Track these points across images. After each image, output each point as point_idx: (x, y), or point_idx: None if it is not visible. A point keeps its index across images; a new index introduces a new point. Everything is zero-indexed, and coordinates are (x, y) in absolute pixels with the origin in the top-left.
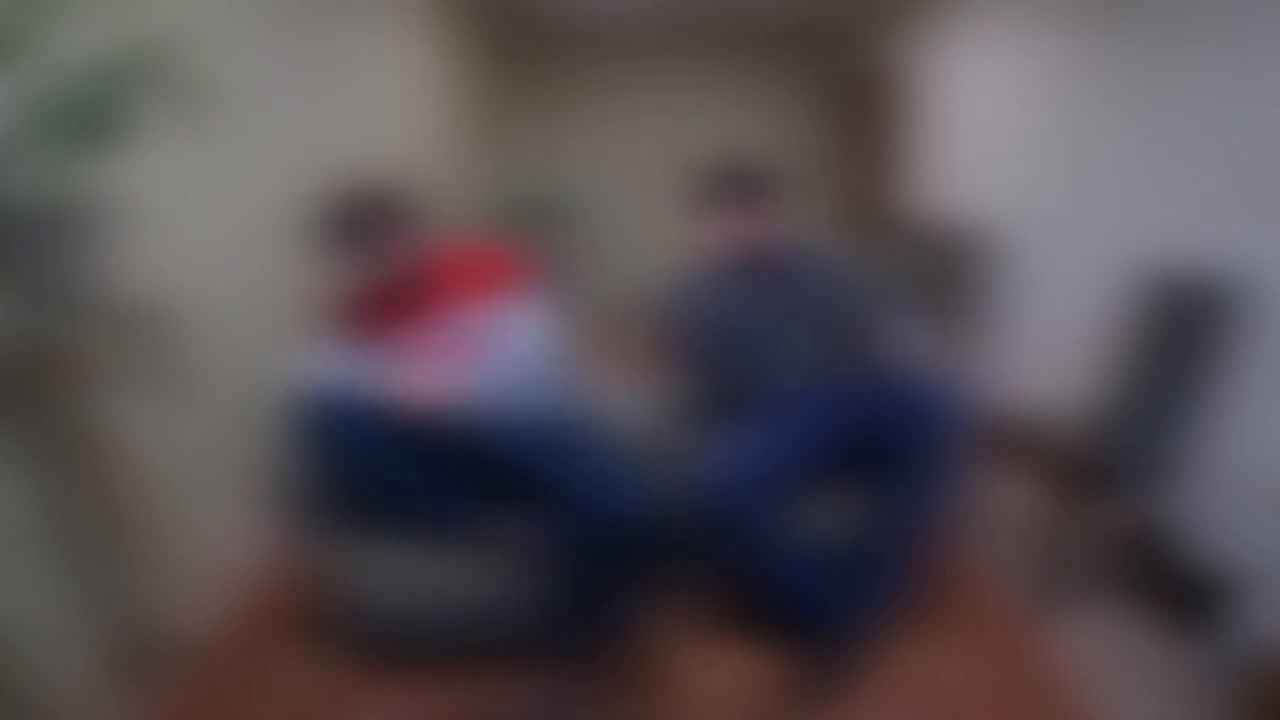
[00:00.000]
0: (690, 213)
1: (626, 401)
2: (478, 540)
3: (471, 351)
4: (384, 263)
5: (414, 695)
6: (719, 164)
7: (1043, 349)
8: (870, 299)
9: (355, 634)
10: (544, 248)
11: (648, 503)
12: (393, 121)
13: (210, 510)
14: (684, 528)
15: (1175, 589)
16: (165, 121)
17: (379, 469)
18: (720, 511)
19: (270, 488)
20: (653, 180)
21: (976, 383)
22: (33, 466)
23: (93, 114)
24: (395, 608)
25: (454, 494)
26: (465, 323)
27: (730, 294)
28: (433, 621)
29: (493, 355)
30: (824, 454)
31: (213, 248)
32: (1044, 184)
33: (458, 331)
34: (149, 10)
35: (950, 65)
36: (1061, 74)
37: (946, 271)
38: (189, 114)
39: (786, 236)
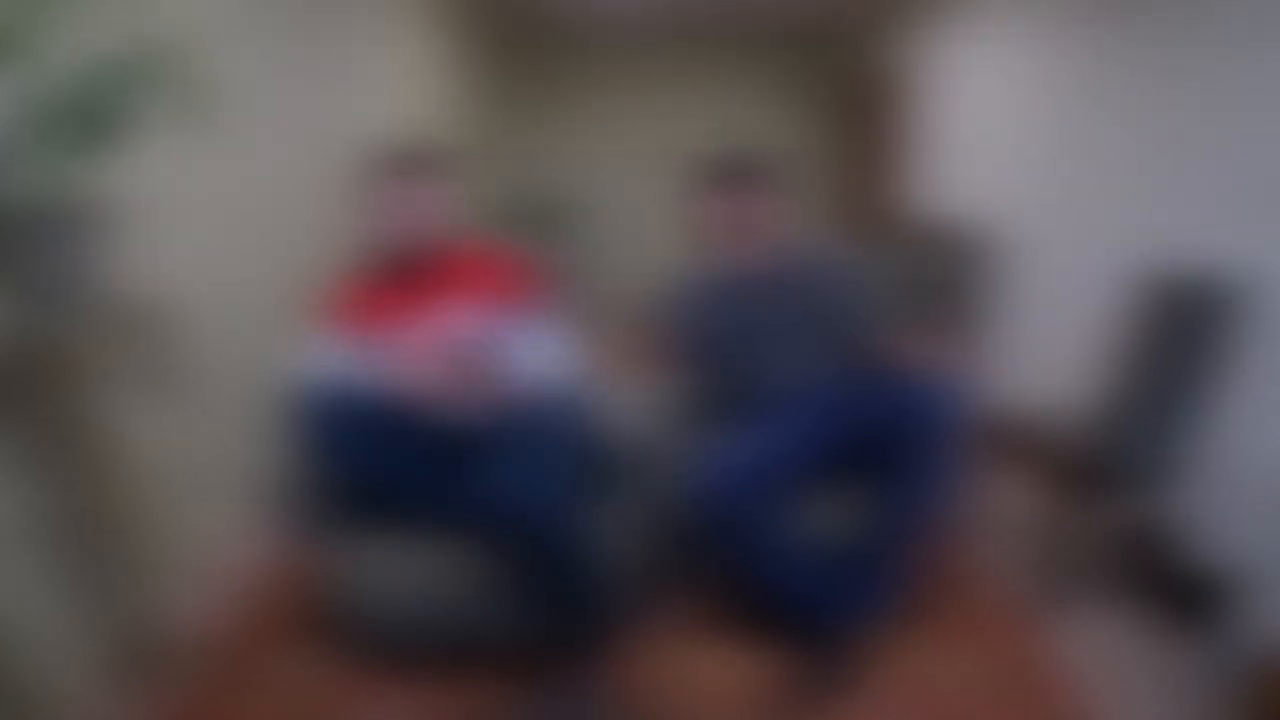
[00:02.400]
0: (689, 199)
1: (627, 402)
2: (476, 539)
3: (476, 352)
4: (420, 216)
5: (414, 696)
6: (718, 151)
7: (1043, 349)
8: (870, 300)
9: (355, 634)
10: (546, 248)
11: (567, 511)
12: (394, 121)
13: (210, 510)
14: (684, 527)
15: (1175, 589)
16: (166, 121)
17: (378, 464)
18: (719, 511)
19: (271, 487)
20: (654, 180)
21: (976, 383)
22: (33, 466)
23: (93, 114)
24: (396, 608)
25: (451, 490)
26: (470, 323)
27: (730, 294)
28: (433, 622)
29: (501, 358)
30: (823, 454)
31: (213, 248)
32: (1045, 184)
33: (462, 330)
34: (150, 10)
35: (951, 66)
36: (1062, 75)
37: (947, 272)
38: (190, 114)
39: (787, 237)
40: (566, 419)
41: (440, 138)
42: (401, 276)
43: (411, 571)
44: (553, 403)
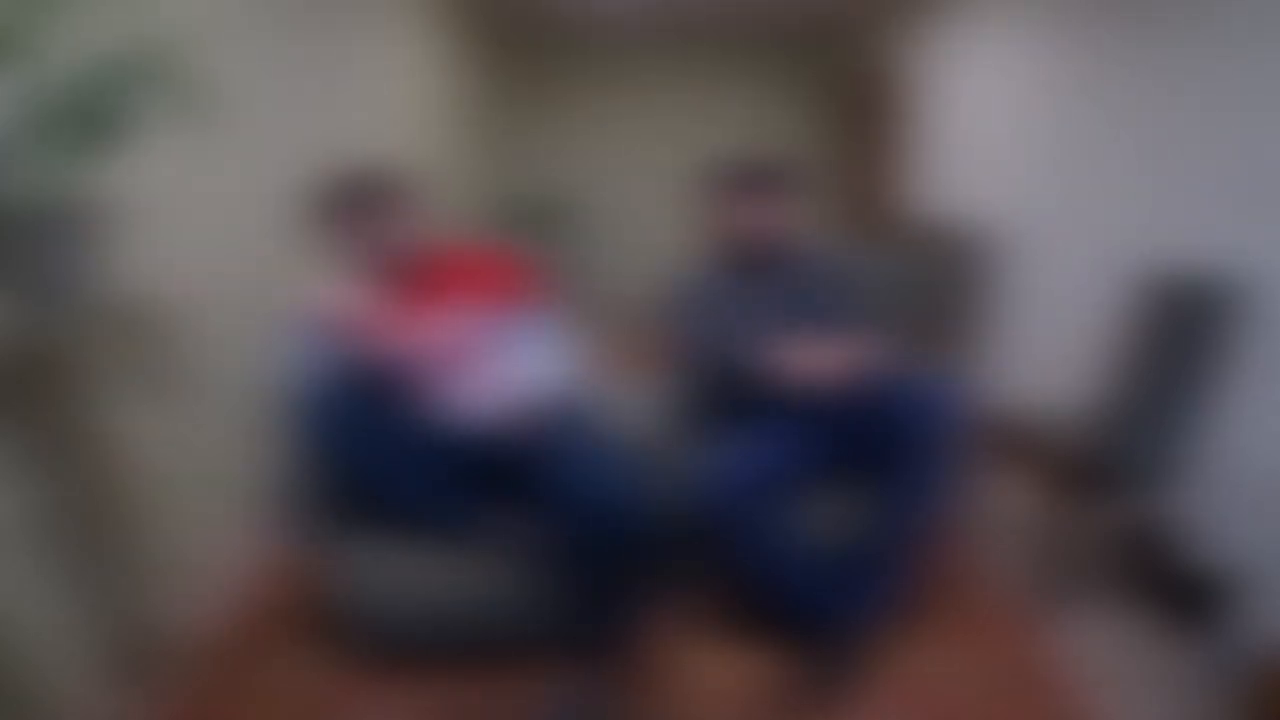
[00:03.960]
0: (703, 200)
1: (629, 402)
2: (479, 539)
3: (477, 352)
4: (381, 245)
5: (414, 696)
6: (740, 154)
7: (1043, 349)
8: (870, 300)
9: (355, 634)
10: (546, 248)
11: (643, 504)
12: (395, 122)
13: (211, 510)
14: (684, 528)
15: (1175, 589)
16: (166, 121)
17: (377, 463)
18: (720, 511)
19: (271, 487)
20: (655, 180)
21: (976, 383)
22: (33, 466)
23: (94, 114)
24: (396, 608)
25: (455, 490)
26: (471, 323)
27: (732, 293)
28: (433, 622)
29: (502, 359)
30: (824, 454)
31: (213, 247)
32: (1045, 184)
33: (463, 331)
34: (150, 10)
35: (952, 66)
36: (1063, 75)
37: (948, 272)
38: (190, 114)
39: (794, 236)
40: (594, 420)
41: (439, 136)
42: (401, 280)
43: (412, 572)
44: (578, 406)
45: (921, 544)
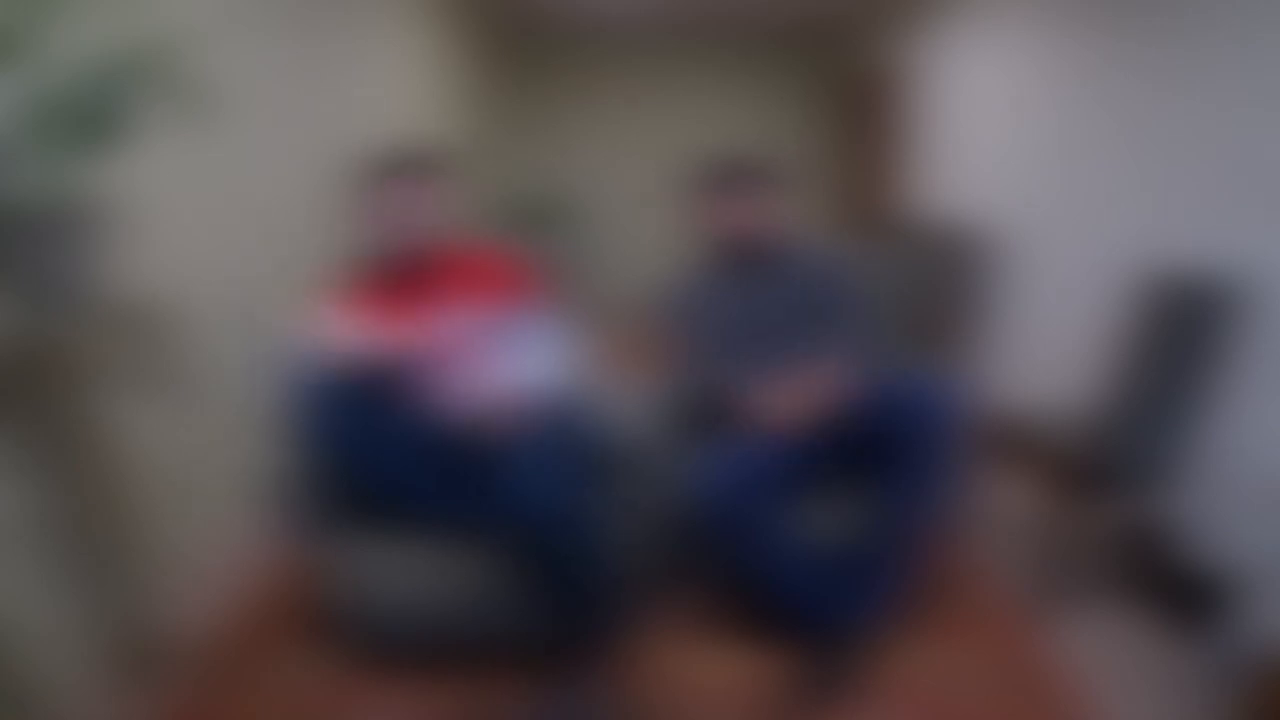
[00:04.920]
0: (690, 199)
1: (627, 402)
2: (485, 541)
3: (476, 352)
4: (416, 219)
5: (414, 696)
6: (719, 152)
7: (1043, 349)
8: (868, 300)
9: (355, 634)
10: (545, 248)
11: (589, 515)
12: (394, 122)
13: (210, 510)
14: (684, 528)
15: (1175, 589)
16: (165, 121)
17: (376, 462)
18: (719, 512)
19: (270, 487)
20: (653, 180)
21: (976, 382)
22: (33, 466)
23: (93, 114)
24: (395, 608)
25: (453, 489)
26: (470, 322)
27: (728, 292)
28: (433, 622)
29: (501, 358)
30: (824, 454)
31: (213, 247)
32: (1044, 184)
33: (462, 330)
34: (149, 10)
35: (951, 65)
36: (1062, 74)
37: (947, 271)
38: (189, 113)
39: (784, 234)
40: (574, 422)
41: (438, 137)
42: (401, 278)
43: (412, 572)
44: (560, 406)
45: (921, 544)
